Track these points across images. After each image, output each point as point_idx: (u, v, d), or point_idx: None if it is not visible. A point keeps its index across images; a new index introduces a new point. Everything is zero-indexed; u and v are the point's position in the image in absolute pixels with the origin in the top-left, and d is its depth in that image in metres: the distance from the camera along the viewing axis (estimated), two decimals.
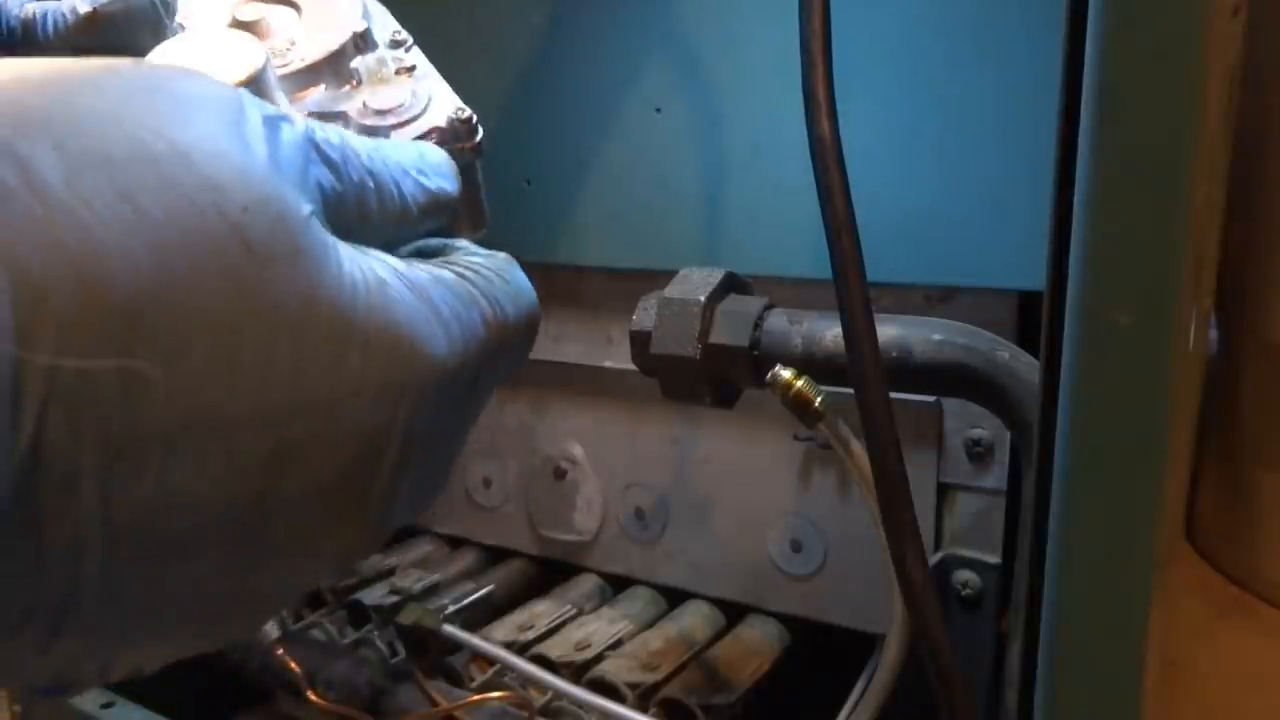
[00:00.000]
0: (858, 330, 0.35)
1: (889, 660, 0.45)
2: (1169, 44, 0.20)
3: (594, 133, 0.58)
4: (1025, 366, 0.40)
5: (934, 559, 0.52)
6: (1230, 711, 0.39)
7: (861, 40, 0.49)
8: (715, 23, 0.53)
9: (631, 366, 0.47)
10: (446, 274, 0.28)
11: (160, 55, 0.30)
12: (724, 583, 0.61)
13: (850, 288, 0.35)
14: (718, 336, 0.44)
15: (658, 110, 0.56)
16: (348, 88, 0.35)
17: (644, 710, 0.52)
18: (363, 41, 0.36)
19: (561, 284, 0.63)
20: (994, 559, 0.51)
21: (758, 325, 0.44)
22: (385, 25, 0.38)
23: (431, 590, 0.64)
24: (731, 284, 0.46)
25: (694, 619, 0.61)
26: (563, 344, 0.64)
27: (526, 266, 0.32)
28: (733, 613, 0.61)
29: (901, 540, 0.34)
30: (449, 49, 0.40)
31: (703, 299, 0.44)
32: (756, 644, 0.58)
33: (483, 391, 0.30)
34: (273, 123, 0.25)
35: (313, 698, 0.54)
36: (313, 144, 0.26)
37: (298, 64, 0.35)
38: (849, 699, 0.51)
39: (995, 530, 0.52)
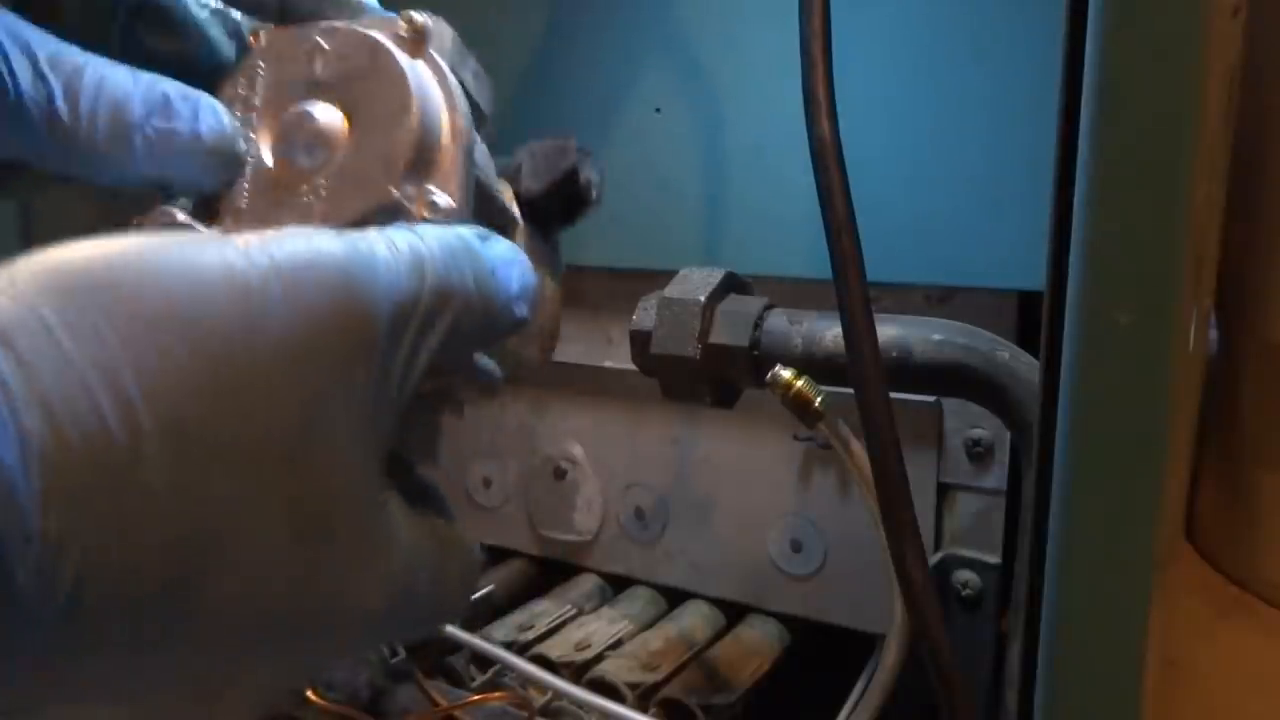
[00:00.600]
0: (858, 330, 0.35)
1: (889, 660, 0.45)
2: (1169, 44, 0.20)
3: (594, 133, 0.58)
4: (1025, 366, 0.40)
5: (934, 559, 0.52)
6: (1230, 711, 0.39)
7: (861, 41, 0.49)
8: (715, 23, 0.53)
9: (631, 366, 0.47)
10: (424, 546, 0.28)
11: None
12: (724, 583, 0.61)
13: (850, 287, 0.35)
14: (718, 336, 0.44)
15: (658, 110, 0.56)
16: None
17: (644, 710, 0.52)
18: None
19: (562, 284, 0.62)
20: (994, 559, 0.51)
21: (758, 325, 0.44)
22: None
23: None
24: (731, 284, 0.46)
25: (694, 619, 0.61)
26: (563, 344, 0.64)
27: None
28: (733, 613, 0.61)
29: (901, 540, 0.34)
30: None
31: (703, 299, 0.44)
32: (756, 644, 0.58)
33: None
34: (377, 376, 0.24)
35: (313, 698, 0.54)
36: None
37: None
38: (849, 699, 0.51)
39: (995, 530, 0.52)
